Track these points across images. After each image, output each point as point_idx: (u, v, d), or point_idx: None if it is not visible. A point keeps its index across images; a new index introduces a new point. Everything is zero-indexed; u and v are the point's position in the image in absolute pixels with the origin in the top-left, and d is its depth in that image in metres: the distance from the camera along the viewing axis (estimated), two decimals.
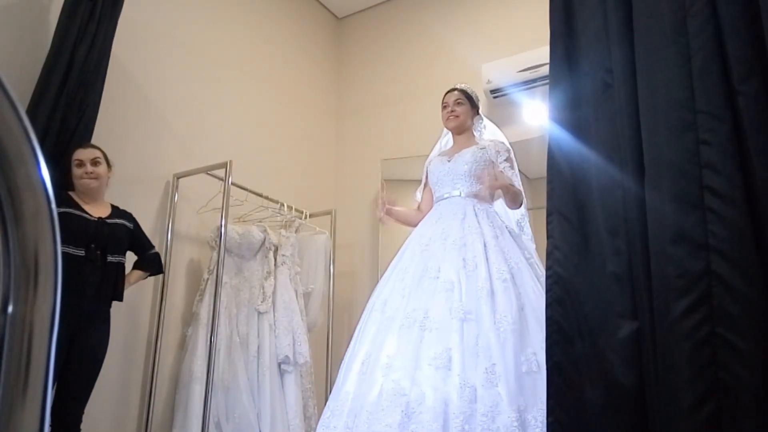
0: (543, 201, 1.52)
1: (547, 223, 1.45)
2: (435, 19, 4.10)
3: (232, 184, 2.94)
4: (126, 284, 2.41)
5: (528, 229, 2.57)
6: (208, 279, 3.00)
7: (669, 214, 1.19)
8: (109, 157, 2.41)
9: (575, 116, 1.47)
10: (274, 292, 3.09)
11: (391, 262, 2.39)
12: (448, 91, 2.63)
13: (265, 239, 3.19)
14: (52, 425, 2.06)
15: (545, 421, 1.37)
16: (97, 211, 2.34)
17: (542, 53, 2.52)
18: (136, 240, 2.49)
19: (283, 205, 3.43)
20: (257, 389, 2.87)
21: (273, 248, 3.20)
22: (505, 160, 2.50)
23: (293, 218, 3.53)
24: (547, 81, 1.68)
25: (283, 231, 3.38)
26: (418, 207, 2.69)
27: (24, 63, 2.46)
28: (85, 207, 2.31)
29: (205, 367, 2.69)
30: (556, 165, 1.47)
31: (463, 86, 2.64)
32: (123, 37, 2.74)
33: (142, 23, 3.03)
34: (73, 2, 2.47)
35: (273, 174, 3.68)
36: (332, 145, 4.35)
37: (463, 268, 2.10)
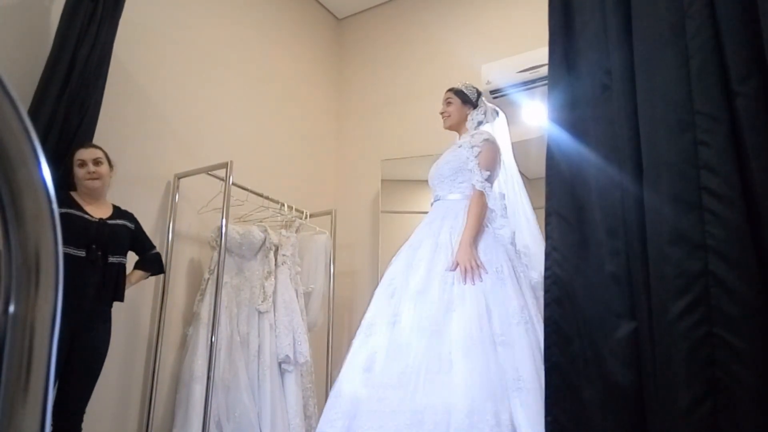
0: (542, 201, 1.52)
1: (546, 224, 1.45)
2: (435, 19, 4.10)
3: (232, 184, 2.94)
4: (127, 284, 2.41)
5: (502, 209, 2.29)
6: (208, 279, 3.01)
7: (667, 215, 1.20)
8: (111, 157, 2.42)
9: (574, 117, 1.47)
10: (274, 292, 3.09)
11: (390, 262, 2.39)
12: None
13: (265, 239, 3.19)
14: (53, 425, 2.06)
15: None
16: (99, 211, 2.35)
17: (542, 54, 2.49)
18: (137, 240, 2.49)
19: (284, 205, 3.43)
20: (258, 388, 2.88)
21: (273, 248, 3.21)
22: (476, 156, 2.31)
23: (294, 218, 3.54)
24: (547, 82, 1.68)
25: (283, 231, 3.39)
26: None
27: (26, 64, 2.46)
28: (87, 208, 2.31)
29: (206, 367, 2.70)
30: (555, 165, 1.47)
31: (455, 86, 2.59)
32: (124, 37, 2.74)
33: (143, 24, 3.04)
34: (74, 3, 2.47)
35: (273, 174, 3.69)
36: (332, 146, 4.35)
37: (408, 268, 2.17)
